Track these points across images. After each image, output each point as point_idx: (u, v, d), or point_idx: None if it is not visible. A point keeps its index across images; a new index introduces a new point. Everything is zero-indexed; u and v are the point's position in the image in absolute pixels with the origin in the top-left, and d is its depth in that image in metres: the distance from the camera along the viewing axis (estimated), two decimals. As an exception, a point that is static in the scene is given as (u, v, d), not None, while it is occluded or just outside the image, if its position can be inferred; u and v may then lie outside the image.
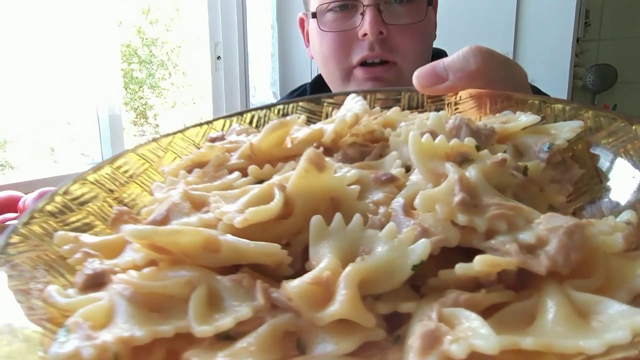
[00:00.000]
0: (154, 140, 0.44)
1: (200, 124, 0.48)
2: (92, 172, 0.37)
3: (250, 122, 0.49)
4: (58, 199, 0.33)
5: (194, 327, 0.20)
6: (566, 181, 0.32)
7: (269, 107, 0.50)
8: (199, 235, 0.24)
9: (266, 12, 1.87)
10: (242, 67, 1.84)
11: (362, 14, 0.75)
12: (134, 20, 1.82)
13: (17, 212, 0.99)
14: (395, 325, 0.21)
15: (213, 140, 0.43)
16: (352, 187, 0.27)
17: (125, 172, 0.39)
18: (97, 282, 0.25)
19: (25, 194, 1.02)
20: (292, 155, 0.37)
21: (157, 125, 1.97)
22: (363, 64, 0.77)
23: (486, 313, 0.21)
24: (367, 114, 0.42)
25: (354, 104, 0.39)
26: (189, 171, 0.36)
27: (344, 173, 0.28)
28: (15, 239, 0.28)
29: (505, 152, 0.35)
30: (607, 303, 0.19)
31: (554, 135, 0.34)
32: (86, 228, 0.32)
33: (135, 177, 0.40)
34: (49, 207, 0.32)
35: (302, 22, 0.90)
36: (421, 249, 0.21)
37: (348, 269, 0.21)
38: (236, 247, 0.24)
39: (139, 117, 1.94)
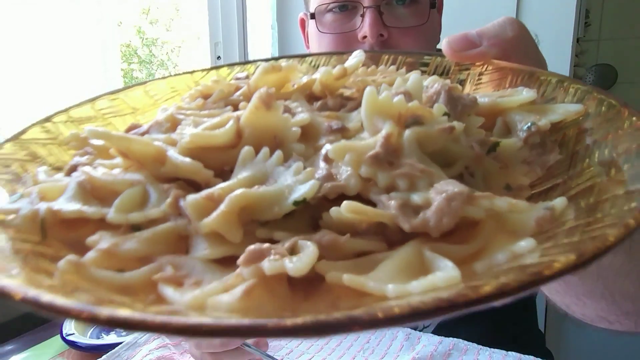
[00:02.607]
0: (189, 72, 0.49)
1: (233, 64, 0.51)
2: (125, 89, 0.43)
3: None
4: (86, 106, 0.39)
5: (109, 213, 0.24)
6: (538, 164, 0.30)
7: (302, 56, 0.52)
8: (151, 147, 0.28)
9: (266, 12, 1.83)
10: (242, 67, 1.84)
11: (362, 16, 0.72)
12: (134, 20, 1.81)
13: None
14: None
15: (237, 79, 0.47)
16: (294, 129, 0.29)
17: (154, 95, 0.45)
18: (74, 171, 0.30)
19: (25, 193, 1.07)
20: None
21: (157, 125, 2.02)
22: None
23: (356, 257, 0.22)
24: (380, 72, 0.43)
25: (353, 58, 0.40)
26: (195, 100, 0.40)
27: (296, 116, 0.30)
28: (37, 130, 0.34)
29: (492, 129, 0.34)
30: (444, 262, 0.19)
31: (542, 116, 0.32)
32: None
33: (161, 102, 0.45)
34: (72, 113, 0.38)
35: (302, 23, 0.87)
36: (307, 187, 0.23)
37: (236, 191, 0.23)
38: (174, 162, 0.27)
39: (139, 116, 1.99)
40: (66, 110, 0.38)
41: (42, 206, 0.24)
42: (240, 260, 0.19)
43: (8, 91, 1.31)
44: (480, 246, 0.21)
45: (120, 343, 0.73)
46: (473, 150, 0.29)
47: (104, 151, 0.35)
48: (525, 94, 0.34)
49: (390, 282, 0.19)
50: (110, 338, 0.80)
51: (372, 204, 0.25)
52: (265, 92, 0.29)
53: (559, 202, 0.24)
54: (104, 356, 0.70)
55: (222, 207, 0.23)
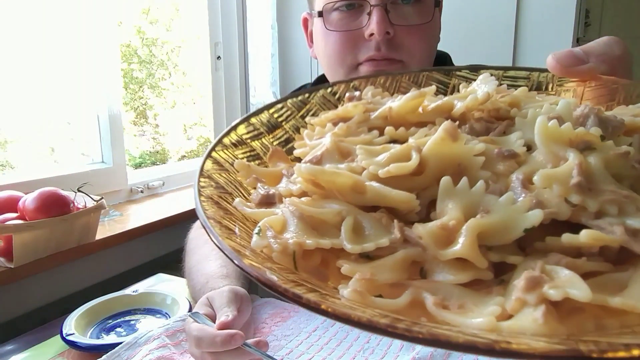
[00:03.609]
0: (300, 93, 0.51)
1: (340, 82, 0.54)
2: (252, 115, 0.45)
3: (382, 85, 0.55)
4: (232, 133, 0.42)
5: (345, 245, 0.27)
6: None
7: (400, 74, 0.55)
8: (350, 179, 0.31)
9: (266, 12, 1.85)
10: (242, 67, 1.83)
11: (369, 14, 0.74)
12: (134, 20, 1.80)
13: (17, 212, 0.99)
14: (500, 272, 0.27)
15: (351, 98, 0.49)
16: (478, 157, 0.32)
17: (279, 117, 0.47)
18: (268, 201, 0.33)
19: (25, 194, 1.02)
20: (421, 122, 0.42)
21: (157, 125, 1.95)
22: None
23: (583, 278, 0.25)
24: (495, 92, 0.45)
25: (486, 82, 0.42)
26: (334, 124, 0.43)
27: (472, 145, 0.32)
28: (209, 162, 0.37)
29: (630, 144, 0.37)
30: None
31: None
32: (252, 159, 0.41)
33: (285, 122, 0.47)
34: (226, 140, 0.41)
35: (305, 22, 0.89)
36: (535, 216, 0.26)
37: (471, 221, 0.26)
38: (380, 192, 0.30)
39: (139, 117, 1.91)
40: (219, 140, 0.40)
41: (290, 240, 0.27)
42: (521, 288, 0.22)
43: (7, 91, 1.30)
44: None
45: (120, 343, 0.72)
46: (635, 169, 0.32)
47: (272, 178, 0.37)
48: (660, 113, 0.37)
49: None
50: (110, 338, 0.79)
51: (568, 225, 0.28)
52: (451, 125, 0.31)
53: None
54: (104, 356, 0.69)
55: (464, 237, 0.25)
